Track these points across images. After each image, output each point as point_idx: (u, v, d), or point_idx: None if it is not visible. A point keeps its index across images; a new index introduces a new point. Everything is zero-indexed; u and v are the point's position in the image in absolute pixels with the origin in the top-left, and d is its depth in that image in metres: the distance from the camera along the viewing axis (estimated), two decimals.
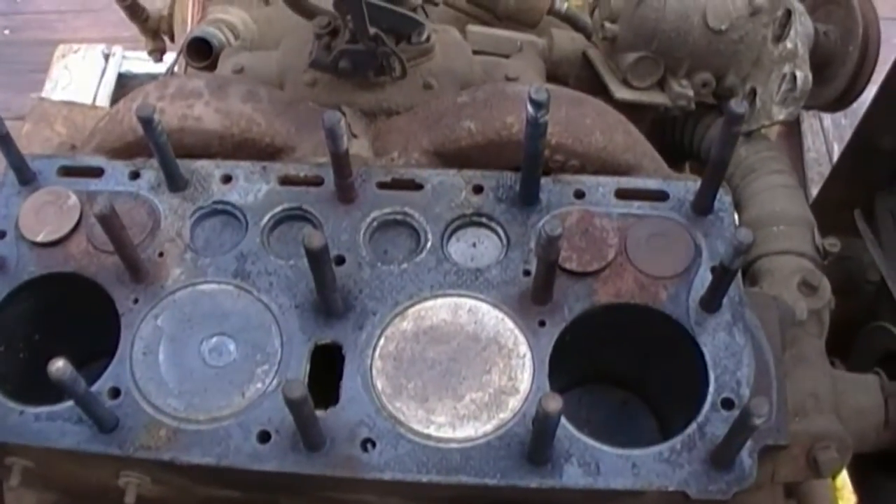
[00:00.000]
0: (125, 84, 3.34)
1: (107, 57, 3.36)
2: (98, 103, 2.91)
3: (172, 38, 2.14)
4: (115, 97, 3.10)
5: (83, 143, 1.49)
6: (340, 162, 1.27)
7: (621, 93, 1.61)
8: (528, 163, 1.27)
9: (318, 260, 1.15)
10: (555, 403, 1.05)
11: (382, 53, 1.40)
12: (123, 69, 3.47)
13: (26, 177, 1.37)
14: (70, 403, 1.22)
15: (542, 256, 1.19)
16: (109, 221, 1.19)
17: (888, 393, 1.35)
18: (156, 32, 2.16)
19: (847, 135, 1.91)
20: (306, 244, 1.12)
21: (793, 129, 2.89)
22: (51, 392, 1.22)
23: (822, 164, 2.72)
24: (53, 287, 1.31)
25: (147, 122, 1.24)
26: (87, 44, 3.43)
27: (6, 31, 3.90)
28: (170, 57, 2.14)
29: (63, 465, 1.28)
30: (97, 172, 1.38)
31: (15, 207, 1.36)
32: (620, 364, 1.39)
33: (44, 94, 2.98)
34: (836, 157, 2.42)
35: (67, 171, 1.39)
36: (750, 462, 1.18)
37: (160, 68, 2.32)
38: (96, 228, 1.32)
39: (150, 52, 2.21)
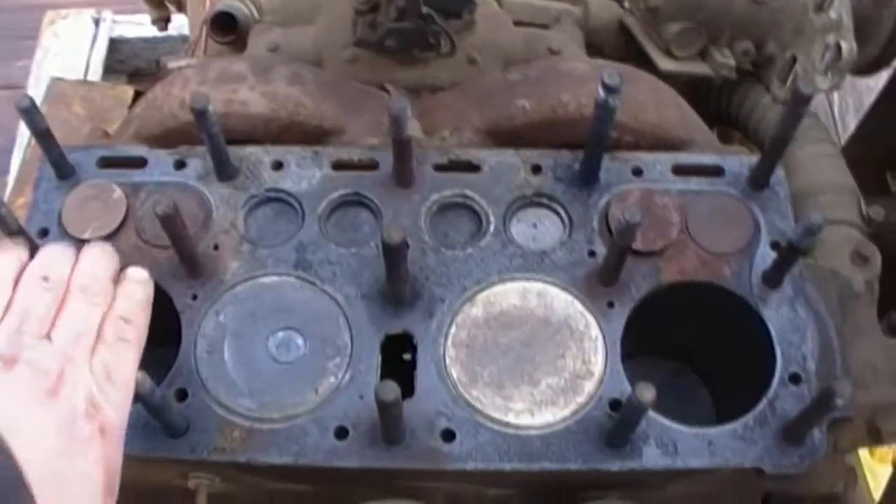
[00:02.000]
0: (117, 49, 3.23)
1: (97, 22, 3.23)
2: (91, 70, 2.80)
3: (179, 7, 2.06)
4: (108, 63, 3.01)
5: (118, 131, 1.43)
6: (403, 148, 1.24)
7: (665, 64, 1.59)
8: (593, 144, 1.26)
9: (398, 254, 1.13)
10: (650, 394, 1.04)
11: (432, 31, 1.37)
12: (115, 34, 3.33)
13: (65, 171, 1.32)
14: (136, 405, 1.18)
15: (618, 241, 1.18)
16: (172, 221, 1.15)
17: None
18: (160, 0, 2.09)
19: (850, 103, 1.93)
20: (386, 239, 1.09)
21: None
22: None
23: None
24: None
25: (201, 114, 1.20)
26: (76, 9, 3.30)
27: None
28: (175, 25, 2.06)
29: (128, 467, 1.25)
30: (140, 163, 1.33)
31: (56, 203, 1.31)
32: (676, 337, 1.39)
33: (34, 63, 2.88)
34: (840, 126, 2.42)
35: (108, 163, 1.34)
36: (820, 435, 1.18)
37: (152, 32, 2.24)
38: (145, 222, 1.28)
39: (155, 21, 2.12)
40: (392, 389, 1.03)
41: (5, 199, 1.66)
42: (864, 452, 2.23)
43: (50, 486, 0.94)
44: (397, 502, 1.23)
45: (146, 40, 3.18)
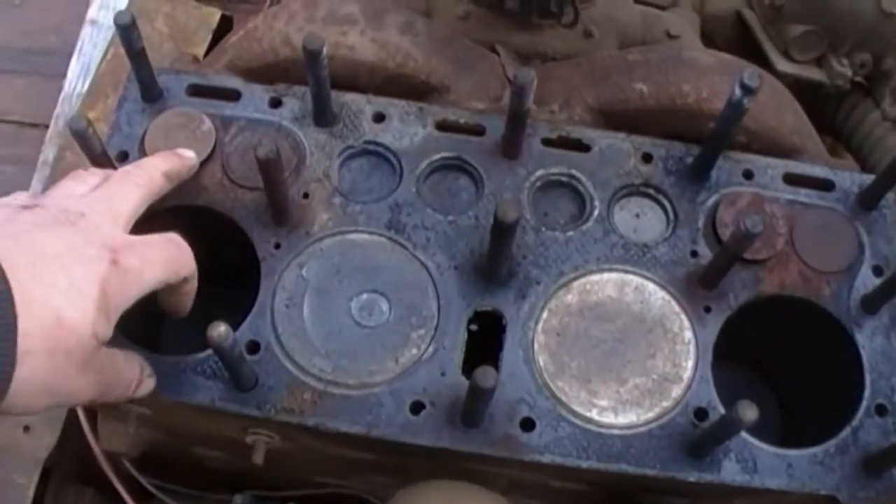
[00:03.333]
0: None
1: None
2: None
3: None
4: None
5: (210, 59, 1.36)
6: (519, 119, 1.18)
7: (783, 65, 1.54)
8: (714, 142, 1.20)
9: (509, 232, 1.08)
10: (752, 414, 1.00)
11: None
12: None
13: (153, 94, 1.26)
14: (202, 355, 1.14)
15: (732, 247, 1.13)
16: (272, 166, 1.09)
17: None
18: None
19: None
20: (500, 215, 1.04)
21: None
22: (176, 340, 1.14)
23: None
24: (181, 220, 1.21)
25: (314, 55, 1.13)
26: None
27: None
28: None
29: (184, 416, 1.20)
30: (233, 95, 1.27)
31: (138, 127, 1.25)
32: (757, 347, 1.34)
33: None
34: None
35: (199, 91, 1.28)
36: None
37: None
38: (233, 159, 1.22)
39: None
40: (492, 376, 0.98)
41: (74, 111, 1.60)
42: None
43: (29, 272, 0.92)
44: (465, 485, 1.19)
45: None
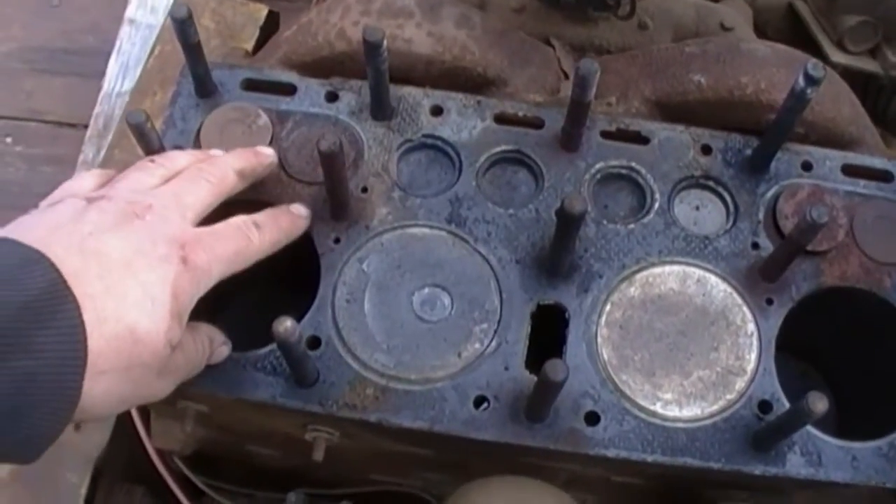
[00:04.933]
0: None
1: None
2: None
3: None
4: None
5: (263, 54, 1.36)
6: (580, 111, 1.17)
7: (836, 56, 1.54)
8: (776, 133, 1.20)
9: (575, 225, 1.07)
10: (822, 405, 1.00)
11: None
12: None
13: (207, 89, 1.25)
14: (263, 351, 1.13)
15: (796, 238, 1.12)
16: (334, 160, 1.09)
17: None
18: None
19: None
20: (567, 208, 1.03)
21: None
22: (232, 337, 1.13)
23: None
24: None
25: (374, 48, 1.13)
26: None
27: None
28: None
29: (243, 413, 1.19)
30: (288, 90, 1.26)
31: (193, 122, 1.24)
32: (814, 339, 1.33)
33: None
34: None
35: (253, 86, 1.27)
36: None
37: None
38: (290, 154, 1.22)
39: None
40: (563, 370, 0.98)
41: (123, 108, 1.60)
42: None
43: (100, 287, 0.91)
44: (528, 480, 1.18)
45: None
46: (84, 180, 1.07)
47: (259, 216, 1.10)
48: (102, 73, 1.84)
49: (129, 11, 1.86)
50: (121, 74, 1.82)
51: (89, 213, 0.97)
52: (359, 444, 1.22)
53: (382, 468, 1.37)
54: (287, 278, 1.22)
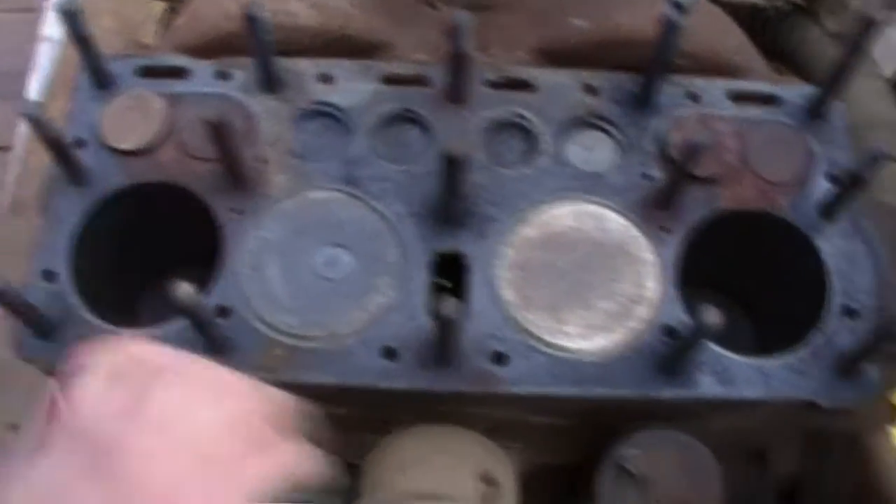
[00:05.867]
0: None
1: None
2: None
3: None
4: None
5: (158, 44, 1.39)
6: (459, 62, 1.20)
7: None
8: (656, 65, 1.22)
9: (458, 170, 1.09)
10: (715, 317, 1.02)
11: None
12: None
13: (104, 80, 1.27)
14: (175, 325, 1.14)
15: (680, 164, 1.14)
16: (221, 130, 1.11)
17: None
18: None
19: None
20: (448, 151, 1.06)
21: None
22: (145, 312, 1.15)
23: None
24: (142, 199, 1.23)
25: (255, 21, 1.16)
26: None
27: None
28: None
29: None
30: (181, 73, 1.29)
31: (94, 114, 1.26)
32: (724, 269, 1.35)
33: None
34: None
35: (148, 72, 1.29)
36: (875, 371, 1.16)
37: None
38: (186, 134, 1.24)
39: None
40: (454, 305, 1.00)
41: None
42: None
43: None
44: (447, 427, 1.20)
45: None
46: None
47: None
48: (23, 93, 1.86)
49: (46, 29, 1.88)
50: (41, 92, 1.83)
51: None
52: None
53: None
54: (206, 259, 1.24)
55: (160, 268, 1.24)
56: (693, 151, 1.11)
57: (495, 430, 1.25)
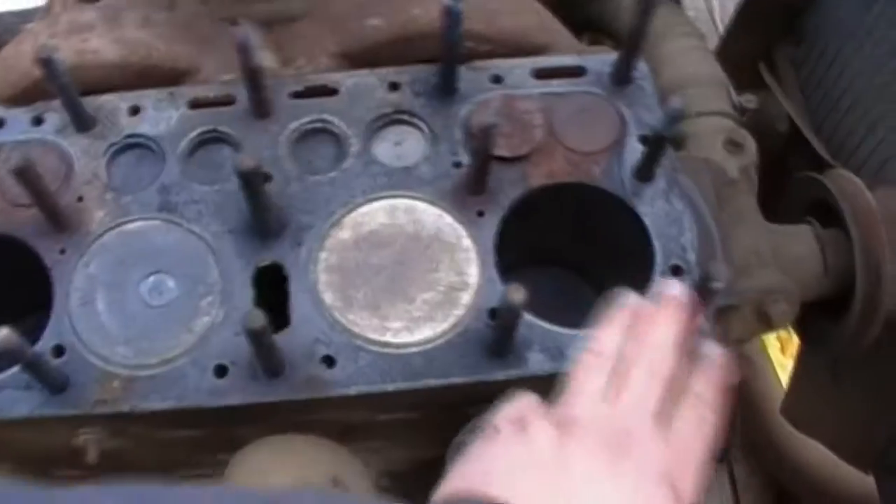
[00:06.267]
0: None
1: None
2: None
3: None
4: None
5: None
6: (254, 76, 1.22)
7: None
8: (447, 53, 1.24)
9: (253, 182, 1.12)
10: (519, 294, 1.04)
11: None
12: None
13: None
14: (11, 371, 1.16)
15: (478, 147, 1.17)
16: (28, 175, 1.13)
17: (823, 241, 1.35)
18: None
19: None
20: (237, 167, 1.08)
21: None
22: None
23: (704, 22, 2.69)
24: None
25: (48, 63, 1.18)
26: None
27: None
28: None
29: (15, 433, 1.23)
30: None
31: None
32: (557, 243, 1.38)
33: None
34: (717, 16, 2.41)
35: None
36: (707, 325, 1.18)
37: (22, 4, 2.18)
38: (5, 183, 1.26)
39: None
40: (258, 317, 1.02)
41: None
42: (775, 350, 2.26)
43: None
44: (293, 437, 1.22)
45: (15, 14, 3.06)
46: (522, 408, 0.96)
47: (701, 387, 0.94)
48: None
49: None
50: None
51: (569, 454, 0.86)
52: (134, 442, 1.26)
53: (167, 461, 1.40)
54: (29, 304, 1.26)
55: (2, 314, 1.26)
56: (487, 132, 1.13)
57: (350, 433, 1.27)
